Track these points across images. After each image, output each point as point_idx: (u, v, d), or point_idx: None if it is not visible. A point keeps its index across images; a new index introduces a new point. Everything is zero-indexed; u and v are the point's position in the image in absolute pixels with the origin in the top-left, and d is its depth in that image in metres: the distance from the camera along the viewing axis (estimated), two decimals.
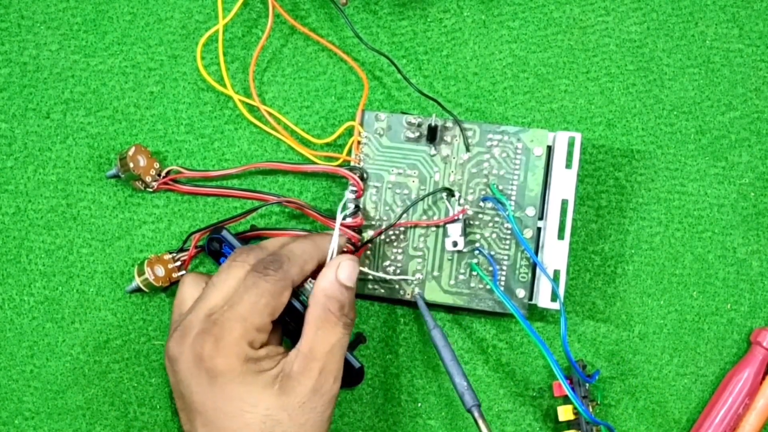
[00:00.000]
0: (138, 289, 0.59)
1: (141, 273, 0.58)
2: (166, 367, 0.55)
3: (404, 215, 0.58)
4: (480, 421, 0.53)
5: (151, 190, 0.60)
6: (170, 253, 0.60)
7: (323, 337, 0.52)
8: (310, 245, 0.55)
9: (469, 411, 0.54)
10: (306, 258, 0.54)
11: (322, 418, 0.51)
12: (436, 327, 0.56)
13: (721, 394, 0.59)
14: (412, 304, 0.61)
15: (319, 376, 0.51)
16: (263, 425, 0.50)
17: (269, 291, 0.52)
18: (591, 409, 0.59)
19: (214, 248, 0.58)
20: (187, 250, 0.59)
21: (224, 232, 0.58)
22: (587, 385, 0.59)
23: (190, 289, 0.55)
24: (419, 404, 0.61)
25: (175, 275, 0.59)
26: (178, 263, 0.59)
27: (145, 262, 0.58)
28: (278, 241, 0.56)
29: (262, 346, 0.52)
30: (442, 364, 0.55)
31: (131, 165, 0.58)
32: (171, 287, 0.60)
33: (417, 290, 0.58)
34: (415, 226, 0.58)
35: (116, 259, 0.61)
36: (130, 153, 0.58)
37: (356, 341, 0.59)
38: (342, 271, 0.53)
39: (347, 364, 0.57)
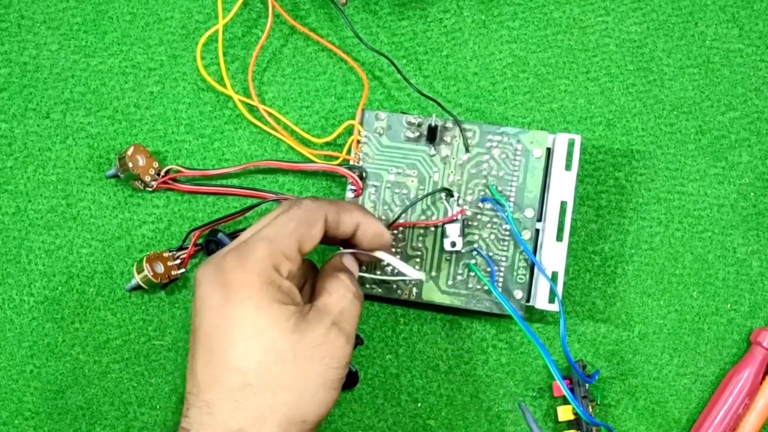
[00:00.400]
0: (138, 287, 0.59)
1: (140, 270, 0.58)
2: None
3: (403, 215, 0.58)
4: None
5: (150, 189, 0.60)
6: (170, 251, 0.60)
7: (337, 299, 0.50)
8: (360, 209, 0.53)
9: None
10: (347, 207, 0.52)
11: (325, 379, 0.48)
12: None
13: (721, 394, 0.59)
14: (411, 304, 0.61)
15: (332, 328, 0.49)
16: (265, 357, 0.47)
17: (299, 216, 0.49)
18: (591, 409, 0.59)
19: (212, 249, 0.59)
20: (187, 248, 0.60)
21: (219, 235, 0.58)
22: (587, 385, 0.59)
23: None
24: (419, 404, 0.61)
25: (174, 273, 0.59)
26: (178, 261, 0.59)
27: (144, 259, 0.58)
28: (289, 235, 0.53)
29: (288, 279, 0.49)
30: None
31: (130, 165, 0.58)
32: (170, 285, 0.60)
33: (521, 402, 0.58)
34: (414, 226, 0.58)
35: (116, 259, 0.61)
36: (129, 153, 0.58)
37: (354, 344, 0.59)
38: (378, 253, 0.53)
39: None
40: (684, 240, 0.61)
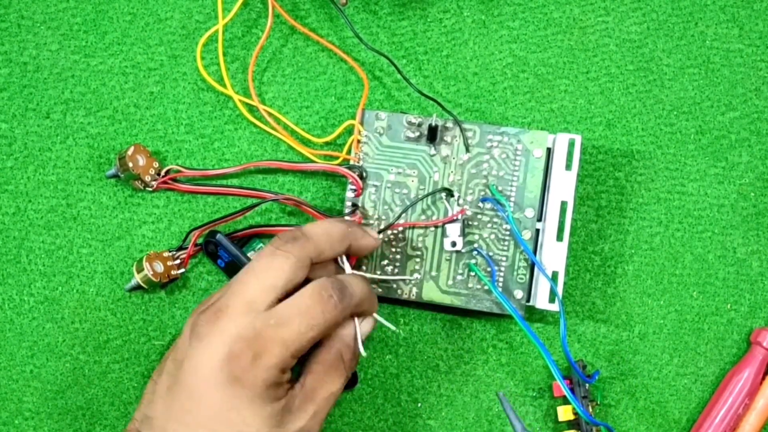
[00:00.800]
0: (137, 287, 0.59)
1: (140, 269, 0.58)
2: (183, 330, 0.52)
3: (403, 215, 0.58)
4: None
5: (150, 189, 0.60)
6: (170, 251, 0.60)
7: (328, 383, 0.52)
8: (367, 287, 0.54)
9: None
10: (360, 303, 0.53)
11: None
12: (525, 430, 0.55)
13: (721, 394, 0.59)
14: (411, 304, 0.61)
15: (311, 419, 0.51)
16: None
17: (320, 327, 0.50)
18: (591, 410, 0.59)
19: (211, 250, 0.59)
20: (187, 248, 0.59)
21: (218, 236, 0.58)
22: (587, 385, 0.59)
23: None
24: (419, 404, 0.61)
25: (173, 272, 0.59)
26: (178, 261, 0.59)
27: (144, 258, 0.58)
28: (326, 237, 0.53)
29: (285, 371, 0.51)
30: None
31: (130, 165, 0.58)
32: (170, 284, 0.60)
33: (500, 393, 0.58)
34: (414, 226, 0.59)
35: (116, 259, 0.61)
36: (129, 153, 0.58)
37: None
38: (365, 326, 0.54)
39: None
40: (684, 240, 0.61)
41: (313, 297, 0.50)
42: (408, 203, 0.58)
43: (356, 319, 0.53)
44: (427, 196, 0.58)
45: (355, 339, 0.53)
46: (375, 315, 0.54)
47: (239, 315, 0.49)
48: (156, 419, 0.50)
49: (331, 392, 0.52)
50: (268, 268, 0.50)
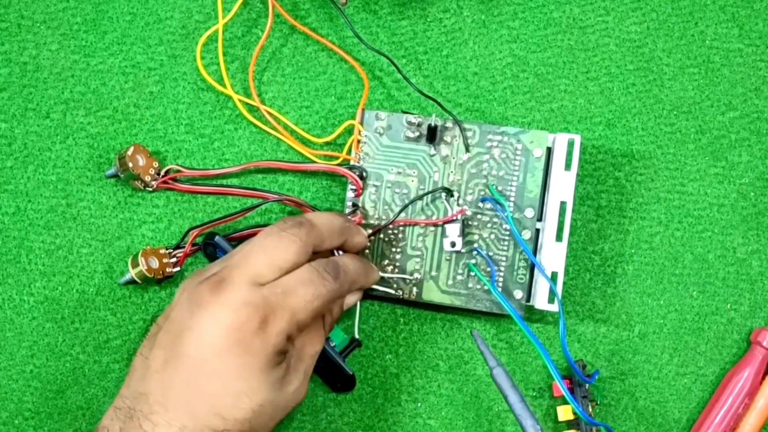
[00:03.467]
0: (132, 281, 0.59)
1: (135, 264, 0.58)
2: (175, 296, 0.52)
3: (402, 214, 0.58)
4: None
5: (150, 189, 0.60)
6: (166, 248, 0.60)
7: (311, 341, 0.53)
8: (360, 264, 0.55)
9: None
10: (355, 279, 0.54)
11: (281, 416, 0.52)
12: (499, 366, 0.54)
13: (721, 394, 0.59)
14: (411, 304, 0.61)
15: (303, 378, 0.52)
16: (249, 413, 0.49)
17: (325, 298, 0.51)
18: (591, 409, 0.59)
19: (209, 252, 0.59)
20: (183, 247, 0.59)
21: (216, 238, 0.58)
22: (587, 385, 0.59)
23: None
24: (419, 404, 0.61)
25: (169, 270, 0.59)
26: (174, 259, 0.59)
27: (140, 253, 0.58)
28: (328, 228, 0.54)
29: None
30: (509, 406, 0.53)
31: (130, 164, 0.58)
32: (165, 281, 0.60)
33: (475, 331, 0.58)
34: (414, 224, 0.59)
35: (116, 259, 0.61)
36: (129, 153, 0.58)
37: (351, 346, 0.59)
38: (350, 299, 0.56)
39: (339, 370, 0.58)
40: (684, 240, 0.61)
41: (311, 272, 0.51)
42: (407, 202, 0.58)
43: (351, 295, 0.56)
44: (426, 194, 0.58)
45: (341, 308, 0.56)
46: (375, 286, 0.58)
47: (244, 285, 0.49)
48: (152, 395, 0.49)
49: (315, 350, 0.53)
50: (276, 247, 0.51)
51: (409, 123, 0.58)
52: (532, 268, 0.58)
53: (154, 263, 0.58)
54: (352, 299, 0.57)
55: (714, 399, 0.60)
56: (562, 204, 0.57)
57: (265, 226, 0.60)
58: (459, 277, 0.58)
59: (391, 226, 0.59)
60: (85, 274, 0.61)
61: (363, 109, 0.59)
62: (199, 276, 0.51)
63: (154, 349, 0.50)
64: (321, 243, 0.53)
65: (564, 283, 0.59)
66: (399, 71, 0.60)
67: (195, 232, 0.59)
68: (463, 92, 0.62)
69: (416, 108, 0.61)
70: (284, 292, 0.50)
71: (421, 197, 0.58)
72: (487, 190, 0.58)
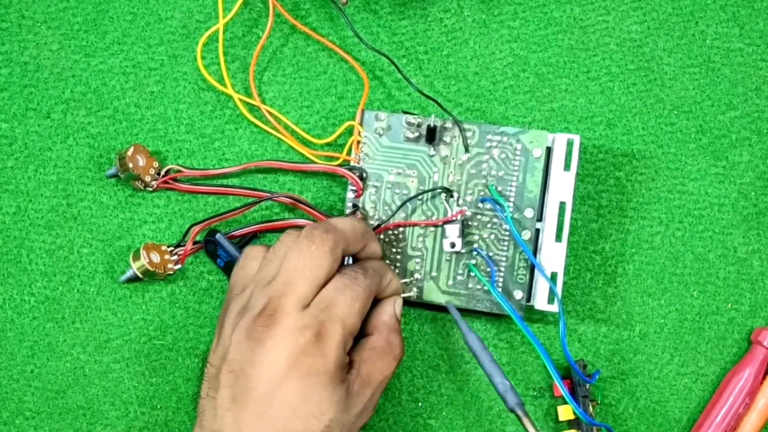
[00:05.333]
0: (133, 277, 0.59)
1: (137, 258, 0.58)
2: (223, 336, 0.52)
3: (402, 215, 0.58)
4: (525, 420, 0.52)
5: (150, 189, 0.60)
6: (168, 246, 0.60)
7: (381, 367, 0.53)
8: (377, 261, 0.56)
9: (512, 410, 0.53)
10: (382, 272, 0.55)
11: None
12: (472, 332, 0.55)
13: (722, 394, 0.59)
14: (411, 304, 0.61)
15: (368, 402, 0.52)
16: None
17: (362, 296, 0.52)
18: (591, 409, 0.59)
19: (210, 249, 0.59)
20: (185, 245, 0.59)
21: (218, 236, 0.58)
22: (587, 385, 0.59)
23: (256, 263, 0.55)
24: (419, 404, 0.61)
25: (170, 266, 0.59)
26: (175, 257, 0.59)
27: (141, 247, 0.58)
28: (353, 233, 0.54)
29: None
30: (481, 367, 0.54)
31: (130, 165, 0.58)
32: (168, 278, 0.60)
33: (450, 304, 0.58)
34: (414, 225, 0.59)
35: (117, 259, 0.61)
36: (129, 153, 0.58)
37: None
38: (398, 306, 0.56)
39: None
40: (685, 239, 0.61)
41: (343, 278, 0.52)
42: (408, 204, 0.58)
43: (395, 299, 0.56)
44: (425, 192, 0.58)
45: (398, 319, 0.56)
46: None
47: (294, 311, 0.50)
48: (237, 424, 0.50)
49: (384, 375, 0.53)
50: (313, 266, 0.51)
51: (409, 123, 0.58)
52: (532, 268, 0.58)
53: (156, 258, 0.59)
54: (398, 308, 0.56)
55: (714, 399, 0.60)
56: (562, 204, 0.57)
57: (267, 222, 0.60)
58: (459, 278, 0.58)
59: (391, 227, 0.59)
60: (85, 274, 0.61)
61: (363, 110, 0.59)
62: (243, 311, 0.52)
63: (221, 389, 0.51)
64: (347, 248, 0.53)
65: (564, 283, 0.59)
66: (399, 71, 0.60)
67: (197, 228, 0.59)
68: (464, 92, 0.62)
69: (416, 108, 0.61)
70: (328, 305, 0.51)
71: (418, 195, 0.58)
72: (486, 191, 0.58)
